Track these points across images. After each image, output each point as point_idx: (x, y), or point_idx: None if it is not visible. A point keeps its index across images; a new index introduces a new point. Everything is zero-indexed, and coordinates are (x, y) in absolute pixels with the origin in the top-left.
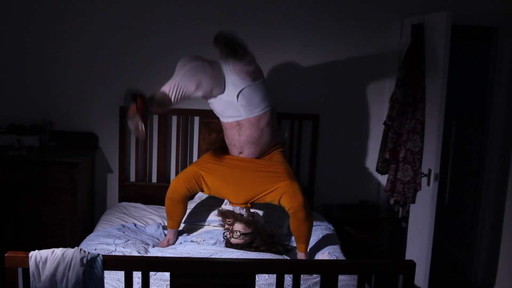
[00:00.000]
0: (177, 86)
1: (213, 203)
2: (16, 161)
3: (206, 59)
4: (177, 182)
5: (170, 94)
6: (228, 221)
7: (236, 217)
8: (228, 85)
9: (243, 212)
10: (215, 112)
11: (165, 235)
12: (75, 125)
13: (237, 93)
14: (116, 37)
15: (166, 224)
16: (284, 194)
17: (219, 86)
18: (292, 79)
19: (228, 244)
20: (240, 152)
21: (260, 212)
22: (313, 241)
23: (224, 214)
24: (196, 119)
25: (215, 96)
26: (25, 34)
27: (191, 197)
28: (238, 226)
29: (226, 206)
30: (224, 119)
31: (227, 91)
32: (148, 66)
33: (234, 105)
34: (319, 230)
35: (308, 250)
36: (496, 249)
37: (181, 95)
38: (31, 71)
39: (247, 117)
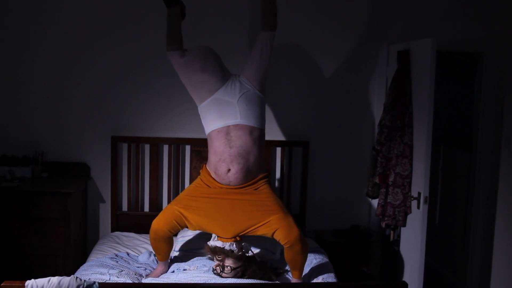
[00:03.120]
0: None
1: (206, 232)
2: (8, 192)
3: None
4: (157, 224)
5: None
6: (218, 257)
7: (227, 254)
8: (234, 84)
9: (234, 247)
10: (205, 123)
11: (157, 262)
12: (67, 156)
13: (240, 94)
14: (108, 68)
15: None
16: (280, 229)
17: (220, 78)
18: (281, 106)
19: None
20: (229, 170)
21: (252, 241)
22: (306, 269)
23: (213, 251)
24: (187, 148)
25: (212, 93)
26: (16, 65)
27: None
28: (228, 262)
29: (214, 241)
30: (215, 126)
31: (231, 91)
32: (140, 97)
33: (233, 106)
34: (312, 258)
35: (302, 276)
36: (487, 270)
37: (188, 56)
38: (22, 102)
39: (241, 123)
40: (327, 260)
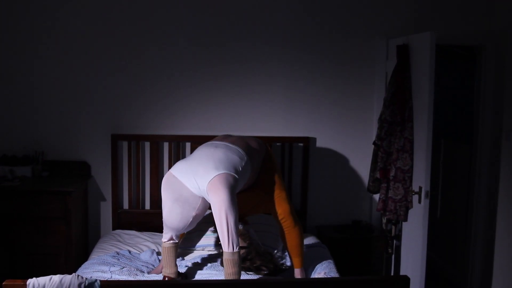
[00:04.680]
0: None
1: (205, 227)
2: (9, 192)
3: (182, 182)
4: None
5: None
6: None
7: None
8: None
9: (240, 226)
10: None
11: (160, 261)
12: (67, 155)
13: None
14: (106, 66)
15: (160, 250)
16: (271, 202)
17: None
18: (280, 102)
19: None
20: None
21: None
22: (308, 262)
23: None
24: (188, 145)
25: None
26: (15, 65)
27: None
28: None
29: None
30: None
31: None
32: (139, 95)
33: None
34: (313, 251)
35: (303, 266)
36: (489, 264)
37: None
38: (22, 102)
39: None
40: (328, 254)
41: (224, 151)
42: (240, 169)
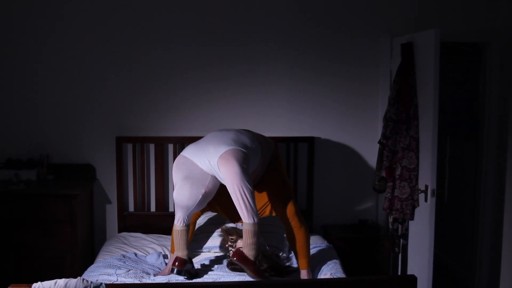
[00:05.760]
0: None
1: (211, 229)
2: (14, 196)
3: (192, 161)
4: None
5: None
6: (231, 239)
7: (240, 234)
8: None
9: None
10: None
11: (166, 264)
12: (72, 158)
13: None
14: (110, 68)
15: (166, 253)
16: (278, 204)
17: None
18: (285, 102)
19: (229, 265)
20: None
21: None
22: (314, 262)
23: (227, 232)
24: None
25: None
26: (18, 68)
27: None
28: (241, 243)
29: (229, 224)
30: None
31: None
32: (142, 96)
33: None
34: (319, 251)
35: (309, 267)
36: (497, 262)
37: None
38: (26, 106)
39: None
40: (335, 253)
41: (235, 132)
42: (250, 147)
